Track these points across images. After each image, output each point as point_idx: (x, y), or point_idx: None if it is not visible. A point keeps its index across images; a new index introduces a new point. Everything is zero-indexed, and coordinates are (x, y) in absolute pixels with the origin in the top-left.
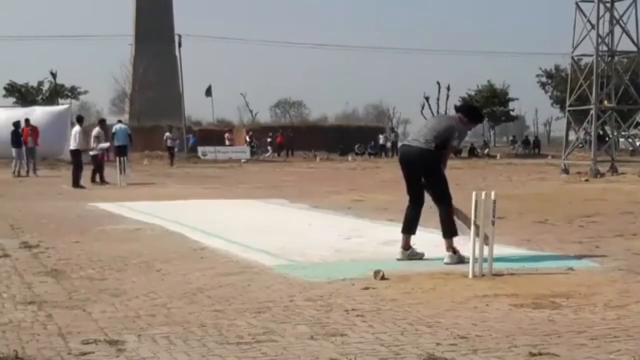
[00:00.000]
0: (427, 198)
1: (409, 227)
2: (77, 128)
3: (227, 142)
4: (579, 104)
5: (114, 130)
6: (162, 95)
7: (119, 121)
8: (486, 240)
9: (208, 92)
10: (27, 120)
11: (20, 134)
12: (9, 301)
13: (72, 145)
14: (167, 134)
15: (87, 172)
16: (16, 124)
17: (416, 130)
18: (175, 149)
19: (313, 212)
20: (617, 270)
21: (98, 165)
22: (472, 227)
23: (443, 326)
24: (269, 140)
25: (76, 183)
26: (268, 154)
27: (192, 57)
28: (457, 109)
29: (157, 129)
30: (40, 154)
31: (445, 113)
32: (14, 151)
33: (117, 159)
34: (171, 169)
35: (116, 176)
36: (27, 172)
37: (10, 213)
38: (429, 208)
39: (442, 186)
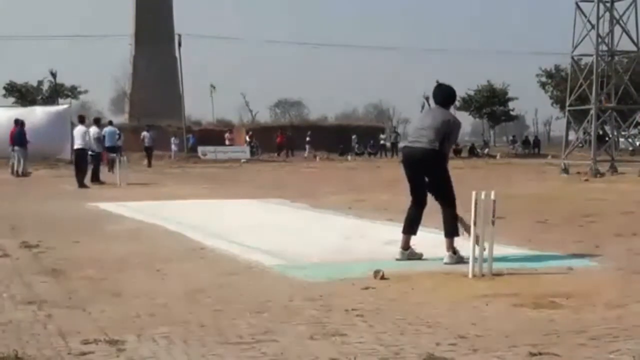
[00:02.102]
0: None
1: (411, 228)
2: (83, 128)
3: (227, 142)
4: (578, 103)
5: (103, 132)
6: (162, 95)
7: (110, 122)
8: (477, 239)
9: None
10: (21, 122)
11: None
12: (9, 301)
13: (81, 144)
14: (144, 132)
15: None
16: (22, 124)
17: (414, 131)
18: (176, 150)
19: (313, 212)
20: (617, 270)
21: (97, 165)
22: (472, 227)
23: (443, 326)
24: (307, 139)
25: (82, 183)
26: (306, 153)
27: (192, 57)
28: (436, 101)
29: (157, 129)
30: (41, 153)
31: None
32: (16, 150)
33: (110, 158)
34: (148, 170)
35: (109, 176)
36: (21, 171)
37: (11, 213)
38: (461, 235)
39: (446, 186)
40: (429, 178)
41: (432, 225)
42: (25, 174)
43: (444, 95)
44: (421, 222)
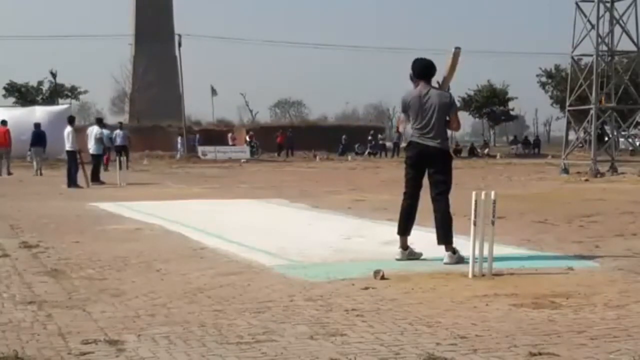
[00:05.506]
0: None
1: (406, 228)
2: (69, 129)
3: (230, 142)
4: (579, 103)
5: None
6: (162, 95)
7: (105, 125)
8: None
9: (213, 92)
10: (4, 122)
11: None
12: (9, 301)
13: (68, 146)
14: (117, 131)
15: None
16: (37, 125)
17: (418, 124)
18: (182, 150)
19: (313, 212)
20: (617, 270)
21: (98, 164)
22: (472, 226)
23: (443, 326)
24: (369, 138)
25: (72, 182)
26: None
27: (192, 57)
28: (419, 77)
29: (157, 129)
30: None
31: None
32: (32, 150)
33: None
34: (128, 171)
35: (109, 176)
36: (37, 170)
37: (10, 213)
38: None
39: (449, 181)
40: (436, 172)
41: (430, 224)
42: (39, 173)
43: (423, 67)
44: (415, 220)
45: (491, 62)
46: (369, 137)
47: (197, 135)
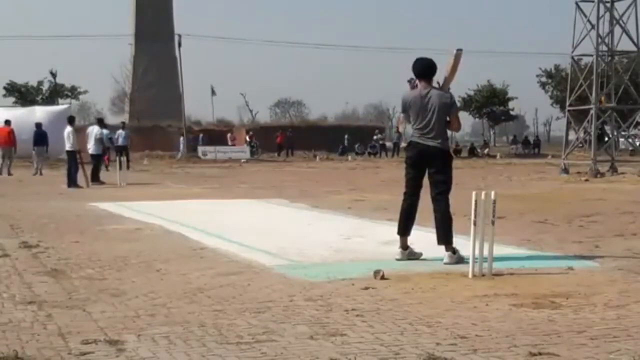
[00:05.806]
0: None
1: (406, 228)
2: (69, 129)
3: (229, 142)
4: (579, 103)
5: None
6: (162, 95)
7: (105, 125)
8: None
9: (213, 92)
10: (7, 122)
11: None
12: (8, 301)
13: (68, 146)
14: (120, 131)
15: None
16: (38, 125)
17: (418, 124)
18: (182, 151)
19: (313, 212)
20: (617, 270)
21: (98, 164)
22: (472, 226)
23: (443, 326)
24: (375, 137)
25: (72, 182)
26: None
27: (192, 57)
28: (420, 75)
29: (157, 129)
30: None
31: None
32: (35, 150)
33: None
34: (128, 172)
35: (109, 176)
36: (38, 170)
37: (10, 213)
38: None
39: (450, 181)
40: (437, 172)
41: (430, 224)
42: (39, 172)
43: (423, 67)
44: (415, 219)
45: (491, 62)
46: (374, 137)
47: (201, 135)
